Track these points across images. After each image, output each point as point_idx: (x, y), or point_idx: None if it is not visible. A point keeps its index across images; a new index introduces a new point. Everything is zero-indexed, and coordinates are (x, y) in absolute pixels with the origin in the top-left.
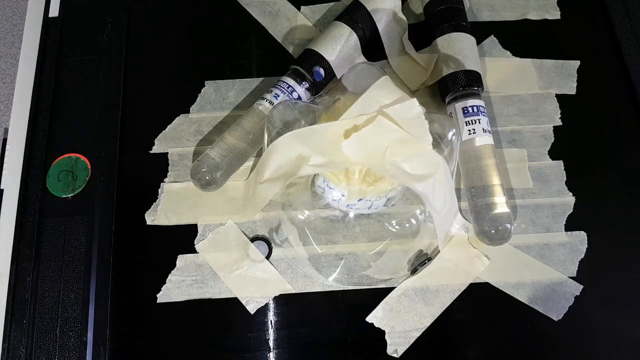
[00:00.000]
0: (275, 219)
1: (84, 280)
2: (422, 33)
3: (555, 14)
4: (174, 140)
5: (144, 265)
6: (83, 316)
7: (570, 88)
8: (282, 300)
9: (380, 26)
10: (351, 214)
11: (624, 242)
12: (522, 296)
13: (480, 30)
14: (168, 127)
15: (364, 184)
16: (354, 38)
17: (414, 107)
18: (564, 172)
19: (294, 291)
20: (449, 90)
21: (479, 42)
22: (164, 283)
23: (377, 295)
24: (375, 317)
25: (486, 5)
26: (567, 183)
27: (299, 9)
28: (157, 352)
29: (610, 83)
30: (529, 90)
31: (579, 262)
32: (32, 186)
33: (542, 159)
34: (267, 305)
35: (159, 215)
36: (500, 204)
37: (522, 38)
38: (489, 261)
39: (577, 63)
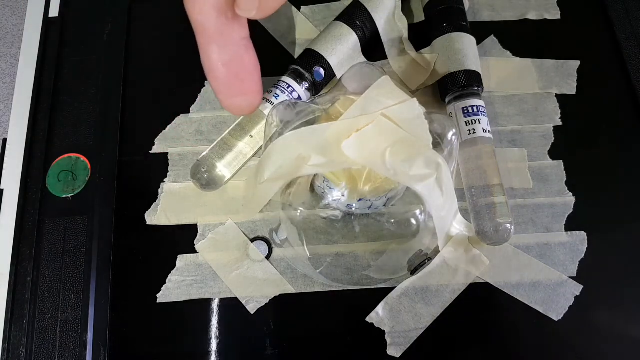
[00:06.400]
0: (275, 219)
1: (84, 280)
2: (422, 33)
3: (555, 14)
4: (174, 140)
5: (144, 265)
6: (83, 316)
7: (570, 88)
8: (282, 300)
9: (380, 26)
10: (351, 214)
11: (624, 242)
12: (522, 296)
13: (480, 30)
14: (168, 127)
15: (364, 184)
16: (354, 38)
17: (414, 108)
18: (564, 172)
19: (294, 291)
20: (449, 90)
21: (479, 42)
22: (164, 283)
23: (377, 295)
24: (375, 317)
25: (486, 5)
26: (567, 183)
27: (299, 9)
28: (157, 352)
29: (610, 83)
30: (529, 90)
31: (579, 262)
32: (32, 186)
33: (542, 159)
34: (267, 305)
35: (159, 215)
36: (500, 204)
37: (522, 38)
38: (489, 261)
39: (577, 63)
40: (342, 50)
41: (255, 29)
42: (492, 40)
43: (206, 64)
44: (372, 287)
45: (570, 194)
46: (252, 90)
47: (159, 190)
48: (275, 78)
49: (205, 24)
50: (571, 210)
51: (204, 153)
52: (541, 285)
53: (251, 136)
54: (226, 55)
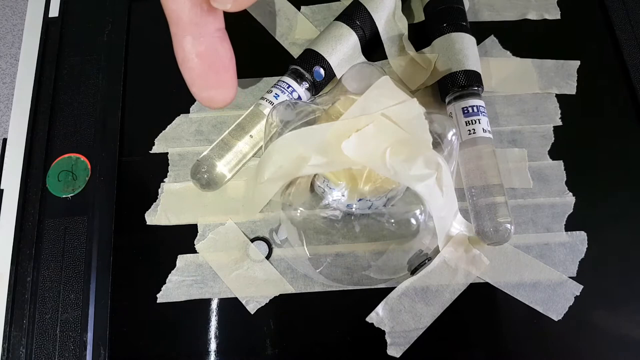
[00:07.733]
0: (275, 219)
1: (84, 280)
2: (422, 33)
3: (555, 14)
4: (174, 140)
5: (144, 265)
6: (83, 316)
7: (571, 88)
8: (282, 300)
9: (380, 26)
10: (351, 214)
11: (624, 242)
12: (522, 296)
13: (480, 30)
14: (168, 127)
15: (364, 184)
16: (354, 38)
17: (414, 108)
18: (564, 172)
19: (294, 291)
20: (449, 90)
21: (479, 42)
22: (164, 283)
23: (377, 295)
24: (375, 317)
25: (486, 5)
26: (567, 183)
27: (299, 9)
28: (157, 352)
29: (610, 83)
30: (529, 90)
31: (579, 262)
32: (32, 186)
33: (542, 159)
34: (267, 305)
35: (159, 215)
36: (500, 204)
37: (522, 38)
38: (489, 261)
39: (577, 63)
40: (342, 50)
41: (255, 28)
42: (492, 40)
43: (179, 55)
44: (372, 287)
45: (570, 194)
46: (226, 83)
47: (159, 190)
48: (275, 78)
49: (180, 14)
50: (571, 210)
51: (204, 153)
52: (541, 285)
53: (251, 136)
54: (201, 46)
